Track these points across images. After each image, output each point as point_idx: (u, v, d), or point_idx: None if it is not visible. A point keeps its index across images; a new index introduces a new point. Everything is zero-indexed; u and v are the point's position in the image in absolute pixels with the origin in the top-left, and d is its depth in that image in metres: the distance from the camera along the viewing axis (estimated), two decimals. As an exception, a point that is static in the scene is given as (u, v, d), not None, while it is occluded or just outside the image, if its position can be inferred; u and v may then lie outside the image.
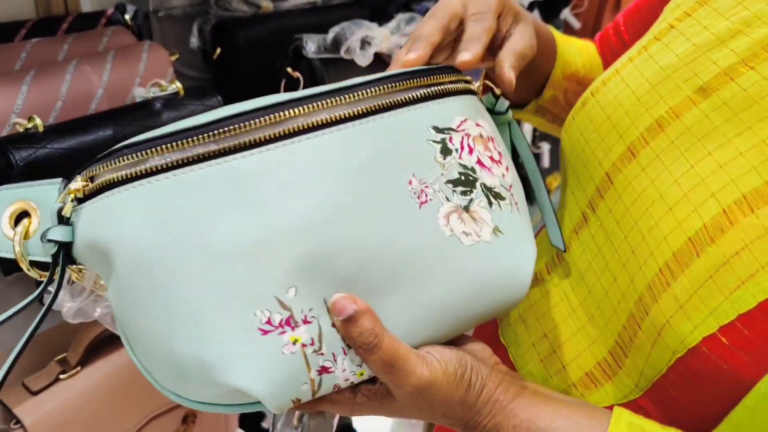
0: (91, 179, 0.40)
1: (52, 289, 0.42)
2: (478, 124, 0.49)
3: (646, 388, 0.49)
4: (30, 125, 0.75)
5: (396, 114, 0.45)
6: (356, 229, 0.41)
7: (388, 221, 0.42)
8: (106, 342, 0.91)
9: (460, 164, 0.46)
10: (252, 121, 0.40)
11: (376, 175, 0.43)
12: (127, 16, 1.13)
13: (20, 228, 0.40)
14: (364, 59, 1.03)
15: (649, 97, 0.56)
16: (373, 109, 0.44)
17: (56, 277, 0.41)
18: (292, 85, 1.03)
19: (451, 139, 0.46)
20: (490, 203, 0.47)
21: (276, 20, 1.14)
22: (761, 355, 0.42)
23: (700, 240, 0.46)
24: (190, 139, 0.40)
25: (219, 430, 1.09)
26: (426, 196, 0.44)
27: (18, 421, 0.82)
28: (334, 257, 0.40)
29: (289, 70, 1.01)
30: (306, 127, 0.41)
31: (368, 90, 0.44)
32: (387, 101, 0.44)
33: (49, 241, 0.40)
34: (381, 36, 1.06)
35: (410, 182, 0.44)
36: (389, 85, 0.45)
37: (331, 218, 0.40)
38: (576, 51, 0.78)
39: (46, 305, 0.42)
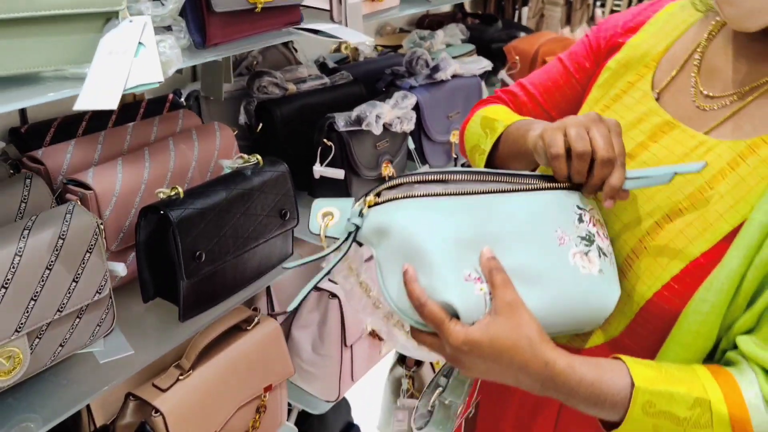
0: (378, 195, 0.75)
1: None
2: (597, 214, 0.83)
3: (622, 329, 0.86)
4: (173, 193, 1.06)
5: (562, 192, 0.79)
6: (527, 245, 0.75)
7: (544, 246, 0.76)
8: (208, 350, 1.21)
9: (587, 230, 0.79)
10: (466, 175, 0.77)
11: (542, 221, 0.77)
12: (182, 99, 1.45)
13: (326, 219, 0.76)
14: (377, 129, 1.38)
15: None
16: (552, 187, 0.79)
17: (342, 248, 0.75)
18: (326, 151, 1.36)
19: (584, 215, 0.80)
20: (599, 255, 0.79)
21: (300, 99, 1.48)
22: (686, 299, 0.78)
23: (646, 239, 0.84)
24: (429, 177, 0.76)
25: (277, 421, 1.39)
26: (564, 240, 0.77)
27: (157, 410, 1.11)
28: (508, 256, 0.74)
29: (324, 140, 1.35)
30: (516, 189, 0.77)
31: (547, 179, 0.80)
32: (560, 184, 0.79)
33: (352, 223, 0.74)
34: (386, 111, 1.42)
35: (557, 230, 0.77)
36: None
37: (516, 235, 0.74)
38: None
39: (326, 269, 0.77)
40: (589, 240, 0.79)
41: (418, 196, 0.74)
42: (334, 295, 1.46)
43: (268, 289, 1.48)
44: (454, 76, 1.71)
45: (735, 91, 0.87)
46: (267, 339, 1.32)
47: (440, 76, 1.64)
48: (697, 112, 0.89)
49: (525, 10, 2.61)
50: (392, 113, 1.44)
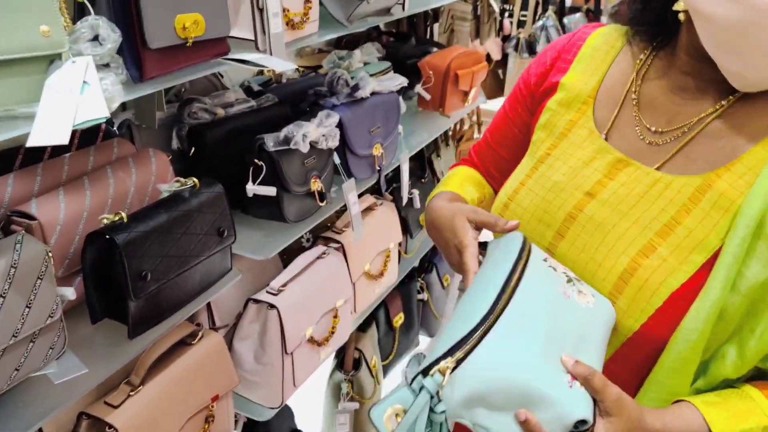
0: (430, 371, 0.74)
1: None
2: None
3: (608, 357, 0.89)
4: (116, 218, 1.12)
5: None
6: (560, 319, 0.81)
7: (564, 307, 0.83)
8: (157, 365, 1.27)
9: (565, 273, 0.89)
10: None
11: (554, 297, 0.84)
12: (114, 128, 1.50)
13: (395, 419, 0.74)
14: (305, 147, 1.48)
15: (557, 199, 0.97)
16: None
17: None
18: (257, 171, 1.45)
19: (572, 280, 0.89)
20: (580, 290, 0.87)
21: (229, 122, 1.56)
22: (672, 328, 0.83)
23: (625, 276, 0.88)
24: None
25: (225, 429, 1.45)
26: (567, 295, 0.85)
27: (111, 426, 1.17)
28: (569, 349, 0.80)
29: (255, 160, 1.44)
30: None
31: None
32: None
33: (439, 413, 0.73)
34: (312, 130, 1.52)
35: (560, 289, 0.85)
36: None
37: (551, 319, 0.81)
38: (473, 188, 1.19)
39: None
40: (570, 280, 0.88)
41: (473, 348, 0.75)
42: (272, 306, 1.54)
43: (208, 304, 1.54)
44: (373, 94, 1.82)
45: (680, 125, 0.91)
46: (211, 352, 1.39)
47: (360, 94, 1.74)
48: (647, 147, 0.93)
49: (436, 26, 2.76)
50: (317, 132, 1.54)
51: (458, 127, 2.87)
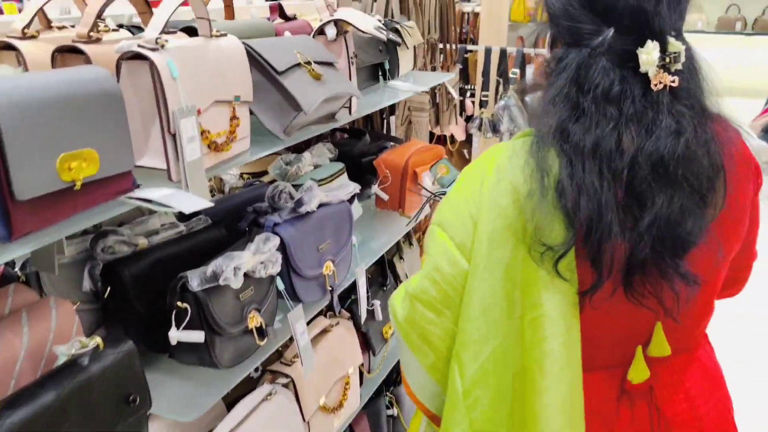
0: None
1: None
2: None
3: None
4: (-13, 405, 0.90)
5: None
6: None
7: None
8: None
9: None
10: None
11: None
12: (16, 269, 1.29)
13: None
14: (236, 282, 1.28)
15: None
16: None
17: None
18: (181, 314, 1.24)
19: None
20: None
21: (153, 254, 1.36)
22: None
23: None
24: None
25: None
26: None
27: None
28: None
29: (178, 303, 1.23)
30: None
31: None
32: None
33: None
34: (246, 260, 1.32)
35: None
36: None
37: None
38: None
39: None
40: None
41: None
42: None
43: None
44: (321, 206, 1.64)
45: None
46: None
47: (305, 209, 1.56)
48: None
49: (393, 119, 2.63)
50: (254, 260, 1.35)
51: (423, 222, 2.70)
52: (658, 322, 1.04)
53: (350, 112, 1.66)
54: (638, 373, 1.06)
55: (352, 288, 1.93)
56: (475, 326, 1.01)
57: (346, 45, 1.62)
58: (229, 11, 1.82)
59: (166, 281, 1.30)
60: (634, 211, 0.90)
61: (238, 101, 1.24)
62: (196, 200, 1.00)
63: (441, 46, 3.24)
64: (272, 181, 2.00)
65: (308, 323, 1.66)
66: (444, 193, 1.54)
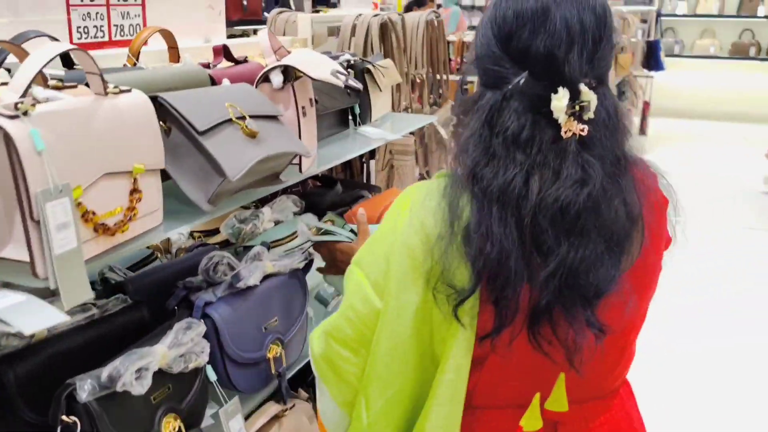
0: None
1: None
2: None
3: None
4: None
5: None
6: None
7: None
8: None
9: None
10: None
11: None
12: None
13: None
14: (141, 387, 1.06)
15: None
16: None
17: None
18: (69, 428, 1.02)
19: None
20: None
21: (51, 346, 1.14)
22: None
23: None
24: None
25: None
26: None
27: None
28: None
29: (63, 417, 1.01)
30: None
31: None
32: None
33: None
34: (159, 356, 1.10)
35: None
36: None
37: None
38: None
39: None
40: None
41: None
42: None
43: None
44: (268, 277, 1.43)
45: None
46: None
47: (244, 284, 1.35)
48: None
49: (373, 163, 2.42)
50: (170, 354, 1.13)
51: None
52: (562, 373, 1.02)
53: (300, 170, 1.44)
54: (531, 421, 1.05)
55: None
56: (382, 363, 1.01)
57: (294, 94, 1.42)
58: (174, 53, 1.63)
59: (67, 378, 1.09)
60: (537, 259, 0.90)
61: (144, 170, 1.04)
62: (48, 314, 0.79)
63: (438, 77, 3.04)
64: (225, 243, 1.79)
65: (253, 412, 1.44)
66: (320, 241, 1.51)
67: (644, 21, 8.47)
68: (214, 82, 1.43)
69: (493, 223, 0.89)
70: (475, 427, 1.04)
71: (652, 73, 8.24)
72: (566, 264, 0.89)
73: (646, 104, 8.00)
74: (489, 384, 1.02)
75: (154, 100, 1.16)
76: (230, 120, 1.22)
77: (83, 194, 0.93)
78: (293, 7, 4.71)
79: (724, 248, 4.68)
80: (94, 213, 0.95)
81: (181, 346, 1.16)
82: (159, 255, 1.72)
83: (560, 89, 0.88)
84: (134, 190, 1.03)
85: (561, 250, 0.89)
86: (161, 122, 1.17)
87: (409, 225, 0.97)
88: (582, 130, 0.88)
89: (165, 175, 1.18)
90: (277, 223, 1.86)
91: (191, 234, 1.84)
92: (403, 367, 1.00)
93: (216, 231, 1.82)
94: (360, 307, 1.02)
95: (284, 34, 2.55)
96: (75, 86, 1.09)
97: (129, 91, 1.06)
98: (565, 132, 0.89)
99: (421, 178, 2.99)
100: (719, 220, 5.17)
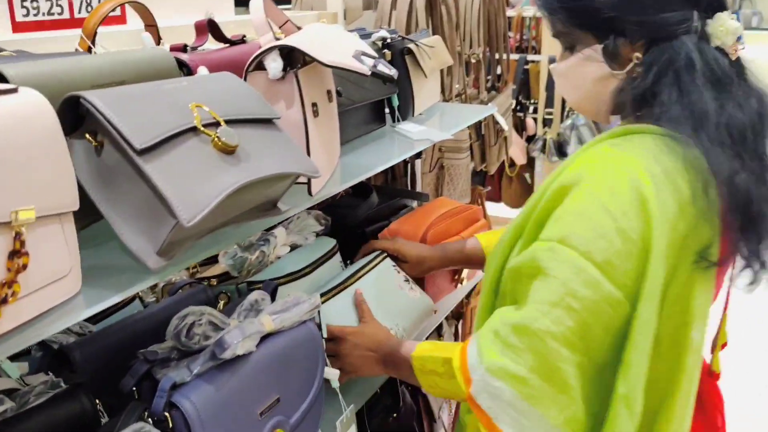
0: None
1: None
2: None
3: None
4: None
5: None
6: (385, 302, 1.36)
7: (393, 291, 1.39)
8: None
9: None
10: None
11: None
12: None
13: None
14: None
15: None
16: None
17: None
18: None
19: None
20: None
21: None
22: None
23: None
24: None
25: None
26: (400, 287, 1.42)
27: None
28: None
29: None
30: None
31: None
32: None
33: None
34: None
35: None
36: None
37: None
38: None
39: None
40: (407, 280, 1.45)
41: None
42: None
43: None
44: (267, 337, 1.04)
45: None
46: None
47: (229, 355, 0.96)
48: None
49: (418, 163, 2.00)
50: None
51: (465, 303, 2.02)
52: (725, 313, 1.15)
53: (310, 192, 1.04)
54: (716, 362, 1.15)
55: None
56: (647, 361, 0.92)
57: (299, 86, 1.01)
58: (153, 30, 1.25)
59: None
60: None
61: (34, 218, 0.65)
62: None
63: (497, 57, 2.58)
64: (225, 276, 1.41)
65: None
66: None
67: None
68: (190, 71, 1.03)
69: (736, 166, 0.92)
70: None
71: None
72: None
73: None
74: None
75: (77, 101, 0.77)
76: (194, 129, 0.82)
77: None
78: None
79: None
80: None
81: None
82: (140, 294, 1.34)
83: (722, 14, 0.96)
84: (15, 252, 0.64)
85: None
86: (89, 136, 0.79)
87: (657, 194, 0.92)
88: (743, 48, 0.98)
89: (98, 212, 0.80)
90: (294, 247, 1.47)
91: (187, 268, 1.46)
92: (652, 352, 0.94)
93: (215, 259, 1.44)
94: (584, 292, 0.90)
95: (312, 9, 2.14)
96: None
97: (14, 90, 0.67)
98: (733, 53, 0.97)
99: (474, 172, 2.54)
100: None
